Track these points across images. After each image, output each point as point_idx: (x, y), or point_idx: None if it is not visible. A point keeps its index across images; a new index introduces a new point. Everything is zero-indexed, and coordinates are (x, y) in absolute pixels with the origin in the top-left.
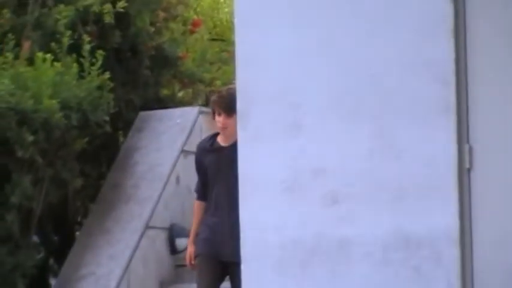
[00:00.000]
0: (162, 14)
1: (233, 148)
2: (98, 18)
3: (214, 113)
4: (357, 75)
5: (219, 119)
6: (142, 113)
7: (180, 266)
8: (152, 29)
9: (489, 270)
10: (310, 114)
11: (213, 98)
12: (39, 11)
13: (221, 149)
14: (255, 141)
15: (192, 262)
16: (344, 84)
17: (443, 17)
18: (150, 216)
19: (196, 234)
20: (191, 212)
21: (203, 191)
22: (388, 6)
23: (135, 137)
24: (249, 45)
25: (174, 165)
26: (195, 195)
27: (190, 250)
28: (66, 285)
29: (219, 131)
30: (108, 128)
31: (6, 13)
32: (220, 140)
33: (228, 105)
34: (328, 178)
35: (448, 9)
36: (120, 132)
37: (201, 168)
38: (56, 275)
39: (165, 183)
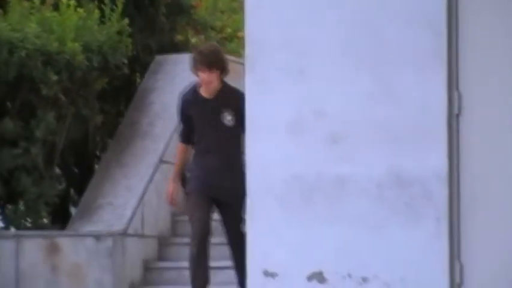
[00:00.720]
0: None
1: (217, 99)
2: None
3: (196, 70)
4: (359, 26)
5: (203, 75)
6: (158, 57)
7: None
8: None
9: (475, 206)
10: (314, 61)
11: (195, 55)
12: None
13: (206, 101)
14: (262, 85)
15: (173, 200)
16: (347, 34)
17: None
18: (164, 152)
19: (180, 174)
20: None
21: (187, 135)
22: None
23: (151, 79)
24: None
25: None
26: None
27: (171, 187)
28: (85, 214)
29: (203, 86)
30: (126, 70)
31: None
32: (204, 93)
33: (210, 62)
34: (329, 120)
35: None
36: (137, 74)
37: (186, 118)
38: (76, 204)
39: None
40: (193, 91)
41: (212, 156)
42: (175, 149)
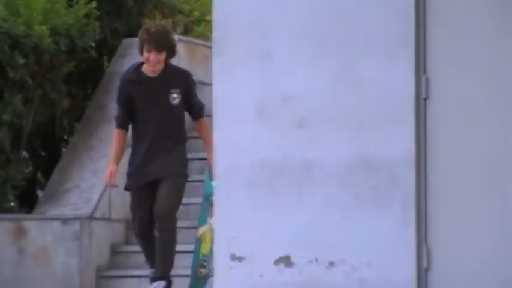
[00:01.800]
0: None
1: (162, 77)
2: None
3: (142, 50)
4: (326, 9)
5: (150, 55)
6: (125, 40)
7: None
8: None
9: (442, 190)
10: (280, 44)
11: (143, 35)
12: None
13: (149, 79)
14: (229, 68)
15: (111, 182)
16: (312, 17)
17: None
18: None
19: (117, 158)
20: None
21: (124, 120)
22: None
23: (119, 62)
24: None
25: None
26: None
27: (109, 169)
28: (53, 197)
29: (150, 67)
30: (93, 54)
31: None
32: (147, 71)
33: (158, 42)
34: (296, 104)
35: None
36: (105, 57)
37: (127, 99)
38: (43, 187)
39: None
40: (136, 70)
41: (152, 142)
42: (112, 137)
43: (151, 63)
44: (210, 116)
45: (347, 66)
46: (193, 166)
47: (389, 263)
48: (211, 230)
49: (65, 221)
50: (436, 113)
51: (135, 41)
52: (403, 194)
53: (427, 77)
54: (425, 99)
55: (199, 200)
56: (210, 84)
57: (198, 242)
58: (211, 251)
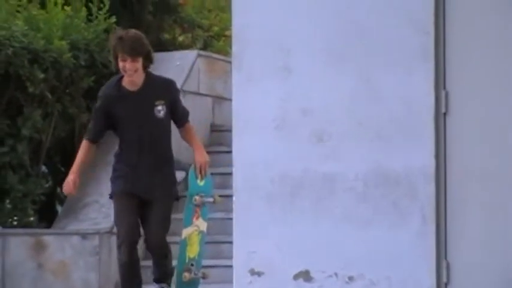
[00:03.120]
0: None
1: (144, 90)
2: None
3: (116, 59)
4: (344, 24)
5: (125, 64)
6: None
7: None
8: None
9: (461, 204)
10: (299, 58)
11: (114, 43)
12: None
13: (131, 94)
14: (248, 82)
15: (73, 187)
16: (333, 32)
17: None
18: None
19: (81, 169)
20: (186, 146)
21: (98, 134)
22: None
23: None
24: None
25: None
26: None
27: (73, 178)
28: (72, 212)
29: (127, 77)
30: (113, 68)
31: None
32: (128, 85)
33: (131, 48)
34: (315, 118)
35: None
36: None
37: (105, 115)
38: (62, 202)
39: None
40: (116, 85)
41: (139, 152)
42: (80, 147)
43: (128, 73)
44: (230, 130)
45: (366, 80)
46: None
47: (409, 277)
48: (199, 233)
49: (84, 235)
50: (455, 127)
51: (155, 55)
52: (422, 207)
53: (446, 91)
54: (444, 113)
55: (219, 215)
56: (229, 99)
57: (183, 245)
58: (199, 254)
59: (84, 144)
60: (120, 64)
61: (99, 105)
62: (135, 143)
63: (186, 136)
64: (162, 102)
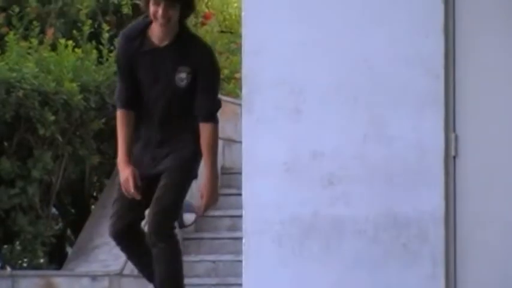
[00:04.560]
0: None
1: (171, 49)
2: (117, 9)
3: (148, 3)
4: (354, 66)
5: (158, 9)
6: None
7: (187, 239)
8: None
9: (471, 248)
10: (310, 101)
11: None
12: (63, 1)
13: (154, 49)
14: (259, 125)
15: (135, 188)
16: (342, 74)
17: (434, 14)
18: None
19: (127, 153)
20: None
21: (127, 97)
22: (384, 3)
23: None
24: (255, 37)
25: None
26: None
27: (125, 173)
28: (82, 254)
29: (157, 26)
30: None
31: (33, 2)
32: (155, 37)
33: None
34: (325, 161)
35: (439, 8)
36: None
37: (126, 68)
38: (72, 244)
39: None
40: (141, 35)
41: (150, 127)
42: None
43: (160, 21)
44: (240, 173)
45: (377, 123)
46: (222, 223)
47: None
48: None
49: (94, 277)
50: (465, 170)
51: None
52: (432, 251)
53: (456, 134)
54: (454, 156)
55: (228, 257)
56: (239, 142)
57: None
58: None
59: (119, 117)
60: (152, 9)
61: (119, 62)
62: (149, 110)
63: (202, 142)
64: (187, 70)
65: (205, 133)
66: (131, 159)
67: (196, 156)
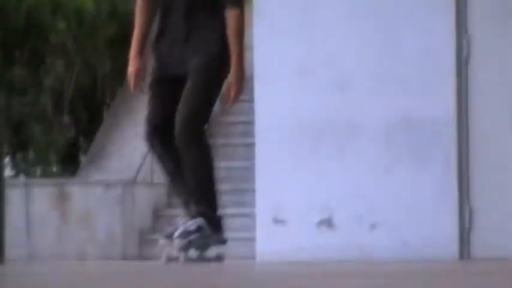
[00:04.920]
0: None
1: None
2: None
3: None
4: None
5: None
6: None
7: None
8: None
9: (483, 149)
10: (322, 7)
11: None
12: None
13: None
14: (271, 31)
15: (138, 83)
16: None
17: None
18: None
19: (142, 44)
20: None
21: None
22: None
23: None
24: None
25: None
26: None
27: (132, 65)
28: (95, 162)
29: None
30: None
31: None
32: None
33: None
34: (338, 66)
35: None
36: None
37: None
38: (85, 152)
39: None
40: None
41: (179, 22)
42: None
43: None
44: (252, 79)
45: (387, 29)
46: (235, 129)
47: (431, 223)
48: None
49: (107, 185)
50: (477, 72)
51: None
52: (444, 153)
53: (468, 37)
54: (466, 58)
55: (241, 163)
56: (251, 48)
57: None
58: None
59: (138, 5)
60: None
61: None
62: (172, 5)
63: (228, 31)
64: None
65: (231, 20)
66: (157, 57)
67: (224, 55)
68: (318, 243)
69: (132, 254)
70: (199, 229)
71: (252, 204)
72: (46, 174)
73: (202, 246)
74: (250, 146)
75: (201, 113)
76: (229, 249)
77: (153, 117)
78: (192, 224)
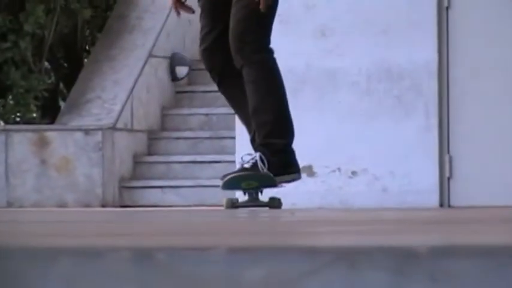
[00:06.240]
0: None
1: None
2: None
3: None
4: None
5: None
6: None
7: (180, 93)
8: None
9: (464, 99)
10: None
11: None
12: None
13: None
14: None
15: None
16: None
17: None
18: (153, 46)
19: None
20: (192, 41)
21: None
22: None
23: None
24: None
25: None
26: (195, 26)
27: None
28: (74, 108)
29: None
30: None
31: None
32: None
33: None
34: (318, 13)
35: None
36: None
37: None
38: (65, 98)
39: (167, 15)
40: None
41: None
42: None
43: None
44: None
45: None
46: None
47: (412, 172)
48: None
49: (87, 131)
50: (458, 22)
51: None
52: (425, 103)
53: None
54: (447, 7)
55: (221, 110)
56: None
57: None
58: None
59: None
60: None
61: None
62: None
63: None
64: None
65: None
66: None
67: None
68: (299, 190)
69: (111, 201)
70: (253, 167)
71: (233, 151)
72: (25, 120)
73: (256, 187)
74: None
75: (254, 26)
76: (209, 196)
77: (205, 35)
78: (249, 161)
